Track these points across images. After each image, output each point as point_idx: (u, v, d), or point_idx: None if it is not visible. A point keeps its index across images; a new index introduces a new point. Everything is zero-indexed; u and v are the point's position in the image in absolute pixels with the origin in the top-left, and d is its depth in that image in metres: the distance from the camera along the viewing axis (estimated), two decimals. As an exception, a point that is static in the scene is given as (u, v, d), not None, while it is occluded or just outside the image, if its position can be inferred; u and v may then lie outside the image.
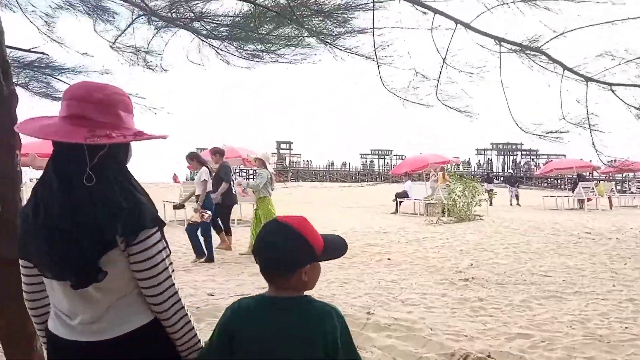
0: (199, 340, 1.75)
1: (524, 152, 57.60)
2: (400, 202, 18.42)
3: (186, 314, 1.70)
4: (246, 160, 17.33)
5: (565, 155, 49.58)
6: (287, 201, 20.97)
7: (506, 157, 58.59)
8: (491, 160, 58.61)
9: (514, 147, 56.99)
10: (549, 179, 45.43)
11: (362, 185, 42.17)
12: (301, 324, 1.63)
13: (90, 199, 1.57)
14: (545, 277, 7.21)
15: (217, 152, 10.30)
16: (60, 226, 1.55)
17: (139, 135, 1.67)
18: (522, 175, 49.01)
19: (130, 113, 1.72)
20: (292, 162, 63.28)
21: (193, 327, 1.73)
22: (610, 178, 30.69)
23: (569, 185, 26.57)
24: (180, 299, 1.69)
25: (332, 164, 62.82)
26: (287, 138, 69.88)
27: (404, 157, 59.84)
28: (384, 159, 64.35)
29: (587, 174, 24.53)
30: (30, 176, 9.31)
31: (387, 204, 20.06)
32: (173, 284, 1.67)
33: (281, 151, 62.11)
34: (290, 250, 1.66)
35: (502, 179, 43.75)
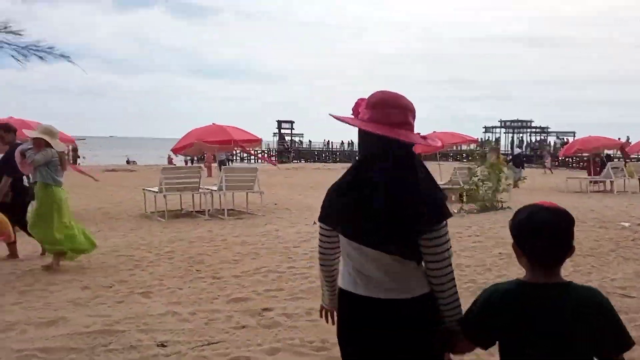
0: (461, 310, 2.00)
1: (533, 130, 55.34)
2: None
3: (456, 290, 2.00)
4: (240, 142, 14.93)
5: (575, 133, 47.28)
6: (289, 184, 19.18)
7: (514, 135, 56.24)
8: (499, 138, 56.30)
9: (524, 124, 54.69)
10: (563, 159, 43.13)
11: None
12: (573, 308, 1.73)
13: (419, 189, 1.92)
14: (627, 299, 5.39)
15: (3, 128, 7.00)
16: (398, 210, 1.89)
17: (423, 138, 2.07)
18: (532, 154, 46.96)
19: None
20: (294, 142, 61.12)
21: (458, 299, 2.00)
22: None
23: (582, 164, 24.43)
24: (454, 277, 2.00)
25: (329, 143, 60.86)
26: (288, 117, 67.30)
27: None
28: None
29: (614, 152, 22.56)
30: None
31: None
32: (451, 265, 1.98)
33: (282, 131, 59.83)
34: (572, 232, 1.77)
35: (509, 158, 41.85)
